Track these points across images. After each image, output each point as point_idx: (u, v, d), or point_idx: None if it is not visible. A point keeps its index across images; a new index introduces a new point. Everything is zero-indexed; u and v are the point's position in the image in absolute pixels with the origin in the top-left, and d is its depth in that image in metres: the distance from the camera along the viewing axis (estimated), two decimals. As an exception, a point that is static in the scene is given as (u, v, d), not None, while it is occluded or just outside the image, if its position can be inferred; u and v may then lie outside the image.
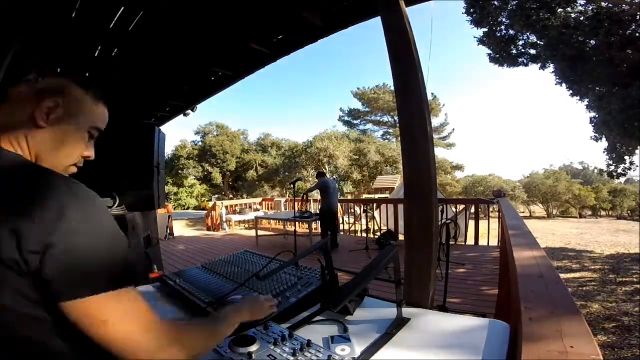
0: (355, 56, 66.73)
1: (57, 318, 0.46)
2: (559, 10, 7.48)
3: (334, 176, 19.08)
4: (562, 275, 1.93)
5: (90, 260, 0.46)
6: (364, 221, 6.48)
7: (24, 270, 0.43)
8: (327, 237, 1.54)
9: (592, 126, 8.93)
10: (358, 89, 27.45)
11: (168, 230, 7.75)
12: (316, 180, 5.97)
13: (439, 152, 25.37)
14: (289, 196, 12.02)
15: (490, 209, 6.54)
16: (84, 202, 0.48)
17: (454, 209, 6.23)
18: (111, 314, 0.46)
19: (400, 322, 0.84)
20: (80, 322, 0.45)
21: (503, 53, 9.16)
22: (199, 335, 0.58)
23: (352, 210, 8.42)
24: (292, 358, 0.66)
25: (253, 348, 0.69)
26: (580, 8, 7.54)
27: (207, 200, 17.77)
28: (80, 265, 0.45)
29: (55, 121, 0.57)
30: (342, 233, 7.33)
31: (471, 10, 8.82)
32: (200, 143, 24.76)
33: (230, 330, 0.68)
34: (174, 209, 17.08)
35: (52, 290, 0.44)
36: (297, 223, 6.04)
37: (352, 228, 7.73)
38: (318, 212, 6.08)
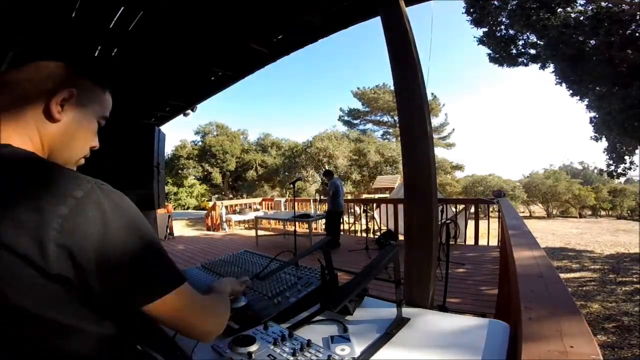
0: (355, 56, 66.79)
1: (98, 328, 0.48)
2: (559, 10, 7.48)
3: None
4: (562, 275, 1.93)
5: (146, 261, 0.49)
6: (364, 221, 6.48)
7: (78, 286, 0.43)
8: (327, 236, 1.54)
9: (592, 126, 8.93)
10: (358, 89, 27.47)
11: (168, 230, 7.75)
12: (324, 178, 6.16)
13: (439, 152, 25.40)
14: (289, 196, 12.02)
15: (490, 209, 6.53)
16: (121, 204, 0.48)
17: (453, 209, 6.23)
18: (186, 305, 0.54)
19: (400, 322, 0.84)
20: (162, 317, 0.51)
21: (503, 53, 9.16)
22: (224, 309, 0.68)
23: (352, 210, 8.42)
24: (292, 358, 0.66)
25: (253, 348, 0.69)
26: (580, 8, 7.54)
27: (207, 200, 17.77)
28: (140, 266, 0.48)
29: (69, 113, 0.55)
30: (342, 233, 7.33)
31: (471, 10, 8.82)
32: (200, 143, 24.77)
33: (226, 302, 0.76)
34: (174, 209, 17.08)
35: (127, 299, 0.47)
36: (297, 223, 6.05)
37: (352, 228, 7.73)
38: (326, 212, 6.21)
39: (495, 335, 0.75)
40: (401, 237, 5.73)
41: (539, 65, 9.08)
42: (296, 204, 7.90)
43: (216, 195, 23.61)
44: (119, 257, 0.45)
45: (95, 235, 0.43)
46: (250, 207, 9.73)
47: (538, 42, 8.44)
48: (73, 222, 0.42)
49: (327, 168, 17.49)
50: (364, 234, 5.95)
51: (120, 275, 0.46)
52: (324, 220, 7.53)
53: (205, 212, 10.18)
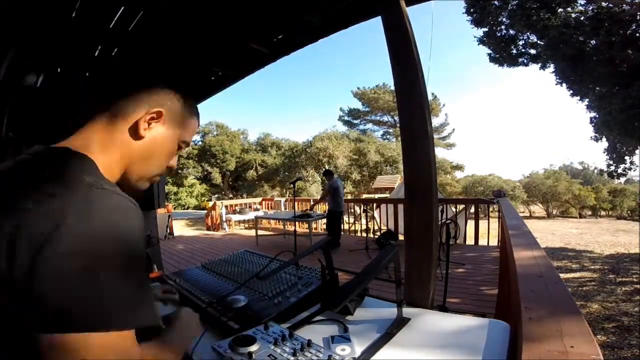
0: (355, 56, 66.74)
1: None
2: (560, 10, 7.48)
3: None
4: (562, 275, 1.93)
5: (80, 288, 0.39)
6: (364, 221, 6.48)
7: (12, 290, 0.38)
8: (327, 236, 1.54)
9: (593, 126, 8.93)
10: (358, 89, 27.51)
11: (168, 230, 7.75)
12: (324, 178, 6.14)
13: (439, 152, 25.42)
14: (289, 196, 12.02)
15: (490, 209, 6.53)
16: (93, 211, 0.42)
17: (453, 209, 6.23)
18: (89, 354, 0.39)
19: (400, 322, 0.84)
20: (50, 355, 0.39)
21: (503, 53, 9.16)
22: None
23: (352, 210, 8.42)
24: (292, 358, 0.66)
25: (253, 348, 0.69)
26: (580, 8, 7.54)
27: (207, 200, 17.77)
28: (68, 291, 0.39)
29: (154, 131, 0.60)
30: (342, 233, 7.33)
31: (471, 10, 8.83)
32: (200, 143, 24.76)
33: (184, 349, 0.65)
34: (174, 208, 17.08)
35: (35, 317, 0.39)
36: (297, 223, 6.05)
37: (352, 228, 7.72)
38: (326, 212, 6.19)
39: (496, 335, 0.75)
40: (401, 237, 5.74)
41: (539, 65, 9.09)
42: (296, 204, 7.90)
43: (216, 195, 23.62)
44: (54, 270, 0.38)
45: (42, 236, 0.38)
46: (250, 207, 9.73)
47: (538, 42, 8.44)
48: (29, 218, 0.39)
49: (327, 168, 17.48)
50: (364, 234, 5.95)
51: (48, 291, 0.38)
52: (324, 220, 7.53)
53: (205, 212, 10.18)
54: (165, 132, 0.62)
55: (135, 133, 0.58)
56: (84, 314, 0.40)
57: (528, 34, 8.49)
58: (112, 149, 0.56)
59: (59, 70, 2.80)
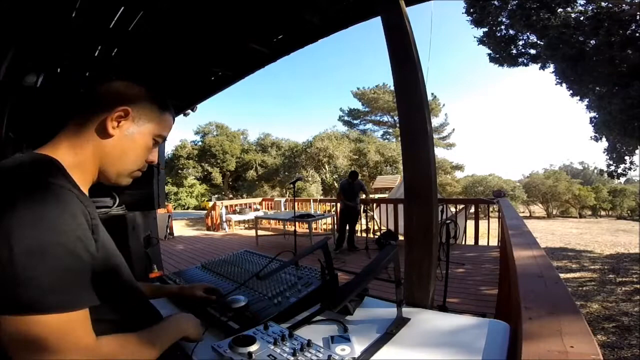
0: (355, 56, 66.76)
1: None
2: (559, 10, 7.48)
3: (334, 176, 19.10)
4: (562, 275, 1.93)
5: (18, 274, 0.41)
6: (364, 221, 6.48)
7: None
8: (327, 237, 1.54)
9: (592, 126, 8.92)
10: (358, 89, 27.49)
11: (168, 230, 7.74)
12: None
13: (439, 152, 25.42)
14: (289, 196, 12.02)
15: (490, 209, 6.53)
16: (21, 203, 0.44)
17: (453, 209, 6.23)
18: (34, 338, 0.42)
19: (400, 322, 0.84)
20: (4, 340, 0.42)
21: (503, 53, 9.16)
22: (136, 354, 0.53)
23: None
24: (292, 358, 0.66)
25: (253, 348, 0.69)
26: (580, 8, 7.54)
27: (207, 200, 17.78)
28: (8, 277, 0.41)
29: (124, 129, 0.60)
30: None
31: (471, 10, 8.82)
32: (200, 143, 24.78)
33: (166, 347, 0.61)
34: (174, 209, 17.09)
35: None
36: (297, 223, 6.04)
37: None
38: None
39: (495, 335, 0.75)
40: (401, 237, 5.73)
41: (539, 65, 9.08)
42: (296, 204, 7.90)
43: (216, 195, 23.62)
44: None
45: None
46: (250, 207, 9.72)
47: (538, 42, 8.44)
48: None
49: (327, 168, 17.43)
50: (364, 234, 5.95)
51: None
52: (324, 220, 7.52)
53: (205, 212, 10.18)
54: (136, 129, 0.62)
55: (104, 132, 0.58)
56: (5, 298, 0.41)
57: (528, 34, 8.49)
58: (83, 148, 0.58)
59: (59, 70, 2.79)
